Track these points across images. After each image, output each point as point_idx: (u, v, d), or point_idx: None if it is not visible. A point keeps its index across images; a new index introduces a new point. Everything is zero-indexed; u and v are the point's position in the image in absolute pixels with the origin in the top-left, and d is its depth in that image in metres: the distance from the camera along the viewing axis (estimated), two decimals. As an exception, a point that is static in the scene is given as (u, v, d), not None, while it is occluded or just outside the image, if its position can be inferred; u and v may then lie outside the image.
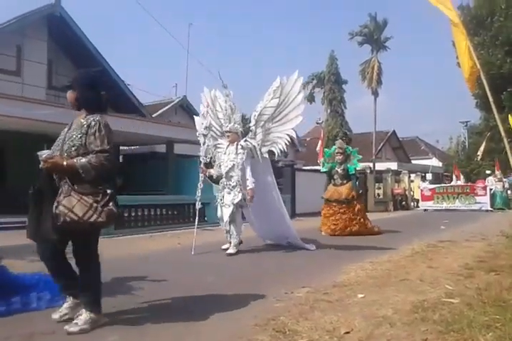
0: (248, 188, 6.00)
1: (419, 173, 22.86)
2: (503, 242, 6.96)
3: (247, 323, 2.84)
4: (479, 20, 21.41)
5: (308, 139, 31.36)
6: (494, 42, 20.65)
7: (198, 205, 6.45)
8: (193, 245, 6.05)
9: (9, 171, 13.02)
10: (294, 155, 26.31)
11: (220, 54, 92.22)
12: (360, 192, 9.57)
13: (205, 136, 6.45)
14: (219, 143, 6.52)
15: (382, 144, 29.94)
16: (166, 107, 20.22)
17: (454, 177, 21.71)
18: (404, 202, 20.71)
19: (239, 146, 6.16)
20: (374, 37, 25.32)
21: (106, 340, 2.54)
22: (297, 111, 6.11)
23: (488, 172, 20.98)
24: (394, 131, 32.11)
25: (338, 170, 8.96)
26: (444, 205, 18.43)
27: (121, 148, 17.36)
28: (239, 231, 6.19)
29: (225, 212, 6.15)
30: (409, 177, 21.62)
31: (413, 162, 31.78)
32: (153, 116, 18.29)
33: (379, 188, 20.22)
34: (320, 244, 6.99)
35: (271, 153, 6.39)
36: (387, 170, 21.38)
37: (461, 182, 20.78)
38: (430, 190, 19.12)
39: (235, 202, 6.00)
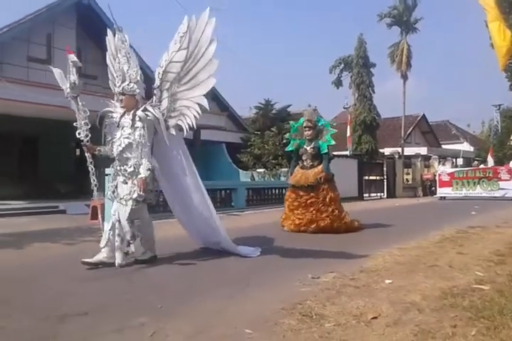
0: (139, 177, 4.26)
1: (449, 158, 22.37)
2: (536, 229, 6.77)
3: (273, 307, 2.87)
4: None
5: (335, 124, 30.99)
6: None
7: (95, 196, 5.03)
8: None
9: (42, 159, 13.41)
10: (321, 141, 26.07)
11: (245, 39, 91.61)
12: (332, 176, 7.25)
13: (75, 98, 4.55)
14: (111, 111, 4.61)
15: (411, 128, 29.31)
16: (193, 94, 20.22)
17: (491, 159, 20.72)
18: (433, 188, 20.36)
19: (136, 117, 4.40)
20: (403, 18, 24.59)
21: (135, 321, 2.61)
22: (209, 70, 4.30)
23: None
24: (424, 115, 31.36)
25: (308, 148, 7.04)
26: (464, 192, 16.27)
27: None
28: (148, 237, 4.44)
29: (120, 211, 4.30)
30: (439, 161, 21.19)
31: (443, 146, 31.05)
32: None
33: (408, 174, 19.90)
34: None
35: (179, 128, 4.63)
36: (417, 155, 20.99)
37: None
38: (448, 174, 16.92)
39: (134, 196, 4.28)
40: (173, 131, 4.58)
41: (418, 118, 30.66)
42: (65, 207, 10.38)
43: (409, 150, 23.31)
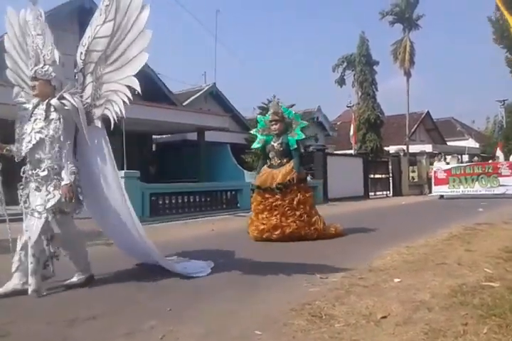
0: (63, 183, 3.42)
1: (455, 155, 22.27)
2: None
3: (282, 308, 2.87)
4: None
5: (339, 123, 30.98)
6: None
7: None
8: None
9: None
10: (325, 140, 26.08)
11: (247, 39, 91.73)
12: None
13: None
14: (21, 101, 3.86)
15: (415, 126, 29.22)
16: (196, 95, 20.32)
17: (500, 154, 20.06)
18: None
19: (51, 107, 3.57)
20: (405, 15, 24.53)
21: (145, 325, 2.61)
22: (141, 44, 3.53)
23: None
24: (428, 112, 31.25)
25: (275, 144, 6.19)
26: (461, 189, 14.99)
27: (153, 136, 17.66)
28: (78, 255, 3.67)
29: (32, 226, 3.42)
30: (445, 159, 21.11)
31: (449, 143, 30.92)
32: (183, 104, 18.44)
33: (413, 171, 19.83)
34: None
35: (106, 119, 3.72)
36: (422, 153, 20.92)
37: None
38: (445, 171, 15.52)
39: (49, 205, 3.42)
40: (98, 124, 3.70)
41: (422, 116, 30.58)
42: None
43: (414, 148, 23.23)
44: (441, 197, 15.33)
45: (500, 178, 14.31)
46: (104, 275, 3.95)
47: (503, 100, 34.03)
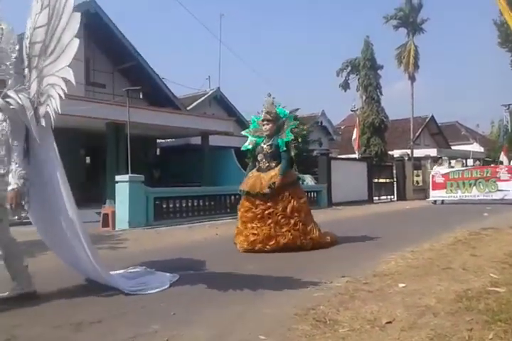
0: (9, 188, 3.11)
1: (459, 159, 22.21)
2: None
3: (286, 312, 2.86)
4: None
5: (342, 127, 31.01)
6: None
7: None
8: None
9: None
10: (329, 144, 26.08)
11: (251, 43, 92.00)
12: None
13: None
14: None
15: (420, 130, 29.20)
16: (200, 99, 20.42)
17: (504, 158, 19.73)
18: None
19: None
20: (410, 20, 24.59)
21: (149, 328, 2.61)
22: (72, 28, 3.28)
23: None
24: (432, 116, 31.24)
25: (264, 146, 5.75)
26: (459, 194, 14.43)
27: (157, 141, 17.72)
28: (16, 266, 3.32)
29: None
30: (450, 163, 21.06)
31: (453, 148, 30.86)
32: (187, 108, 18.51)
33: (418, 176, 19.76)
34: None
35: (48, 117, 3.36)
36: (426, 157, 20.86)
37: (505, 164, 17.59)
38: (443, 175, 14.95)
39: None
40: (43, 122, 3.37)
41: (427, 120, 30.57)
42: (76, 215, 10.43)
43: (418, 152, 23.23)
44: (440, 202, 14.89)
45: (498, 183, 13.77)
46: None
47: (508, 104, 33.94)
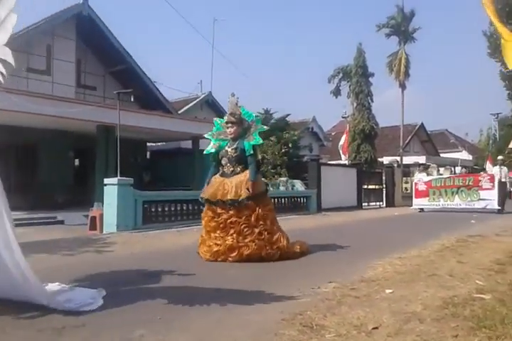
0: None
1: (448, 167, 22.43)
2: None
3: (273, 318, 2.85)
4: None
5: (333, 133, 31.18)
6: (527, 31, 19.98)
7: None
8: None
9: (41, 168, 13.41)
10: (319, 150, 26.19)
11: (244, 49, 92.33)
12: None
13: None
14: None
15: (410, 137, 29.45)
16: (192, 103, 20.42)
17: (490, 167, 20.17)
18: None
19: None
20: (401, 28, 24.85)
21: (134, 334, 2.59)
22: (8, 2, 3.05)
23: (499, 157, 17.13)
24: (422, 124, 31.55)
25: (229, 149, 5.36)
26: (441, 203, 14.09)
27: (148, 144, 17.66)
28: None
29: None
30: (438, 170, 21.25)
31: (442, 155, 31.15)
32: (179, 112, 18.48)
33: (407, 182, 19.90)
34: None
35: None
36: (416, 164, 21.02)
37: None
38: (425, 183, 14.70)
39: None
40: None
41: (416, 127, 30.86)
42: (64, 218, 10.36)
43: (408, 159, 23.38)
44: (421, 210, 14.64)
45: (480, 192, 13.44)
46: (93, 283, 3.92)
47: (497, 113, 34.46)
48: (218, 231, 5.14)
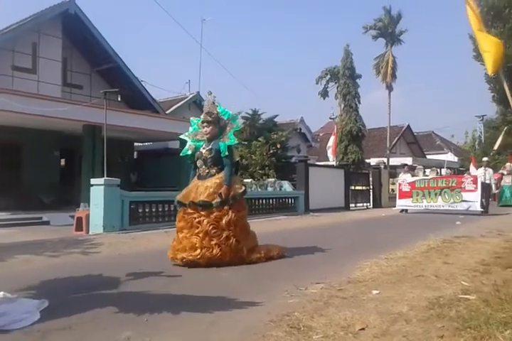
0: None
1: (434, 168, 22.66)
2: (520, 238, 6.85)
3: (261, 319, 2.85)
4: (496, 12, 21.06)
5: (321, 134, 31.31)
6: (511, 35, 20.30)
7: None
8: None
9: (26, 168, 13.23)
10: (307, 151, 26.29)
11: (232, 51, 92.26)
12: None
13: None
14: None
15: (396, 139, 29.72)
16: (180, 103, 20.35)
17: (473, 169, 20.43)
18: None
19: None
20: (388, 30, 25.07)
21: (122, 335, 2.56)
22: None
23: (484, 159, 17.04)
24: (408, 126, 31.85)
25: (203, 151, 5.18)
26: (425, 204, 14.00)
27: (135, 144, 17.54)
28: None
29: None
30: (424, 172, 21.46)
31: (428, 157, 31.48)
32: (166, 112, 18.39)
33: (393, 184, 20.04)
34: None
35: None
36: (402, 165, 21.20)
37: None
38: (409, 184, 14.51)
39: None
40: None
41: (403, 129, 31.14)
42: (49, 218, 10.23)
43: (394, 161, 23.59)
44: (405, 211, 14.56)
45: (463, 193, 13.22)
46: (81, 284, 3.88)
47: (482, 116, 34.96)
48: (185, 230, 4.93)
